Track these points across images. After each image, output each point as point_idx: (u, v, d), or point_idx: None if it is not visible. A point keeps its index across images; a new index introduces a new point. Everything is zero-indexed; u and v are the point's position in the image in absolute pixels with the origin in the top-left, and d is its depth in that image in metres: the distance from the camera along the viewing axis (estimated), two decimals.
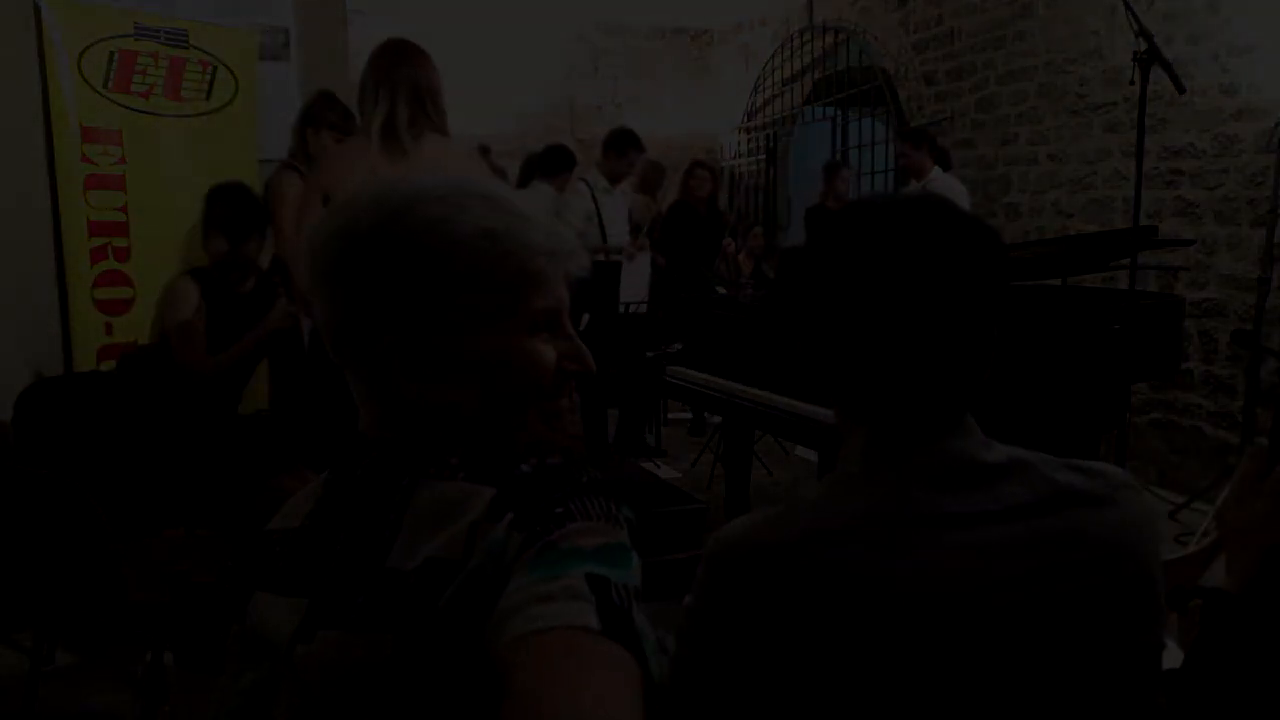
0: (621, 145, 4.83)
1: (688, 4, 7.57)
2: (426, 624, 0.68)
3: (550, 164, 4.96)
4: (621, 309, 4.85)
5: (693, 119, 8.25)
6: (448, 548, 0.71)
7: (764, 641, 0.76)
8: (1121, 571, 0.81)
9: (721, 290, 5.01)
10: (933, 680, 0.76)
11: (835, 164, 5.78)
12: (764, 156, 7.72)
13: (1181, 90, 3.00)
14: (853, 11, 6.51)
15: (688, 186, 5.33)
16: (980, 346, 0.81)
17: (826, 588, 0.76)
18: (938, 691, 0.76)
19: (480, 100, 7.13)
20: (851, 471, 0.84)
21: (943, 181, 4.59)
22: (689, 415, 5.46)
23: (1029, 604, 0.77)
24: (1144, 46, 2.87)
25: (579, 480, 0.73)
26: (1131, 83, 3.00)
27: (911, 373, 0.81)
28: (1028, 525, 0.79)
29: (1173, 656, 0.90)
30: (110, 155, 3.09)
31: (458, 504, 0.73)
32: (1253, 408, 3.62)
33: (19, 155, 2.95)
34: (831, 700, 0.76)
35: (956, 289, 0.80)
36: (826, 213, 4.98)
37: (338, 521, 0.79)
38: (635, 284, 4.98)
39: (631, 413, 5.06)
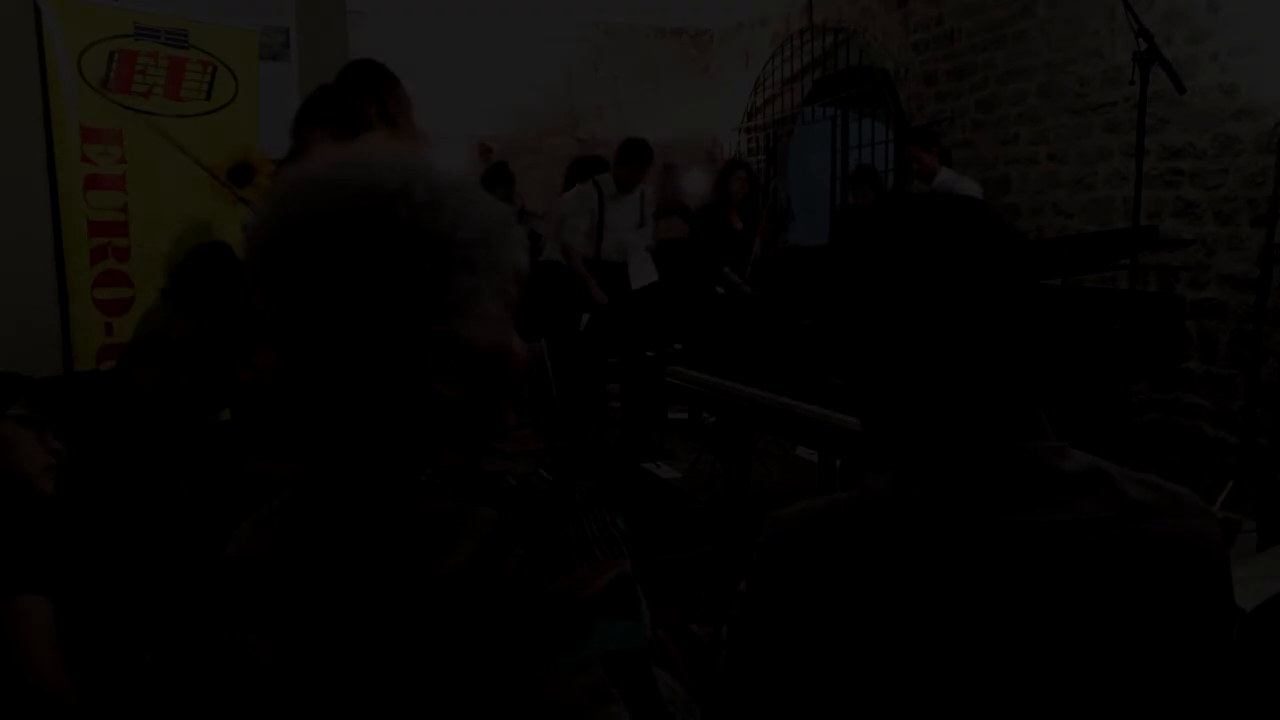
0: (622, 157, 4.96)
1: (688, 4, 7.57)
2: (431, 665, 0.66)
3: (595, 169, 5.19)
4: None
5: (693, 119, 8.25)
6: (451, 584, 0.67)
7: (819, 623, 0.76)
8: (1189, 578, 0.80)
9: (721, 290, 5.00)
10: (989, 676, 0.75)
11: (865, 170, 5.72)
12: (764, 156, 7.73)
13: (1181, 90, 3.00)
14: (853, 11, 6.51)
15: (728, 189, 5.18)
16: (1033, 339, 0.83)
17: (881, 572, 0.76)
18: (994, 687, 0.75)
19: (480, 100, 7.14)
20: (919, 464, 0.83)
21: (959, 181, 4.59)
22: (685, 415, 5.46)
23: (1090, 610, 0.77)
24: (1144, 46, 2.87)
25: (573, 498, 0.72)
26: (1131, 83, 3.00)
27: (974, 365, 0.82)
28: (1098, 536, 0.78)
29: None
30: (110, 155, 3.09)
31: (454, 528, 0.70)
32: (1253, 408, 3.62)
33: (19, 155, 2.96)
34: (884, 687, 0.75)
35: (1005, 282, 0.82)
36: (858, 215, 4.98)
37: (316, 547, 0.73)
38: (644, 273, 5.09)
39: (638, 413, 5.08)
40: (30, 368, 2.95)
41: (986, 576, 0.76)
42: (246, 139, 3.41)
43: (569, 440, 4.76)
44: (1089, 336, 2.49)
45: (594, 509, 0.71)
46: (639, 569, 0.71)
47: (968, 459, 0.80)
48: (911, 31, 5.95)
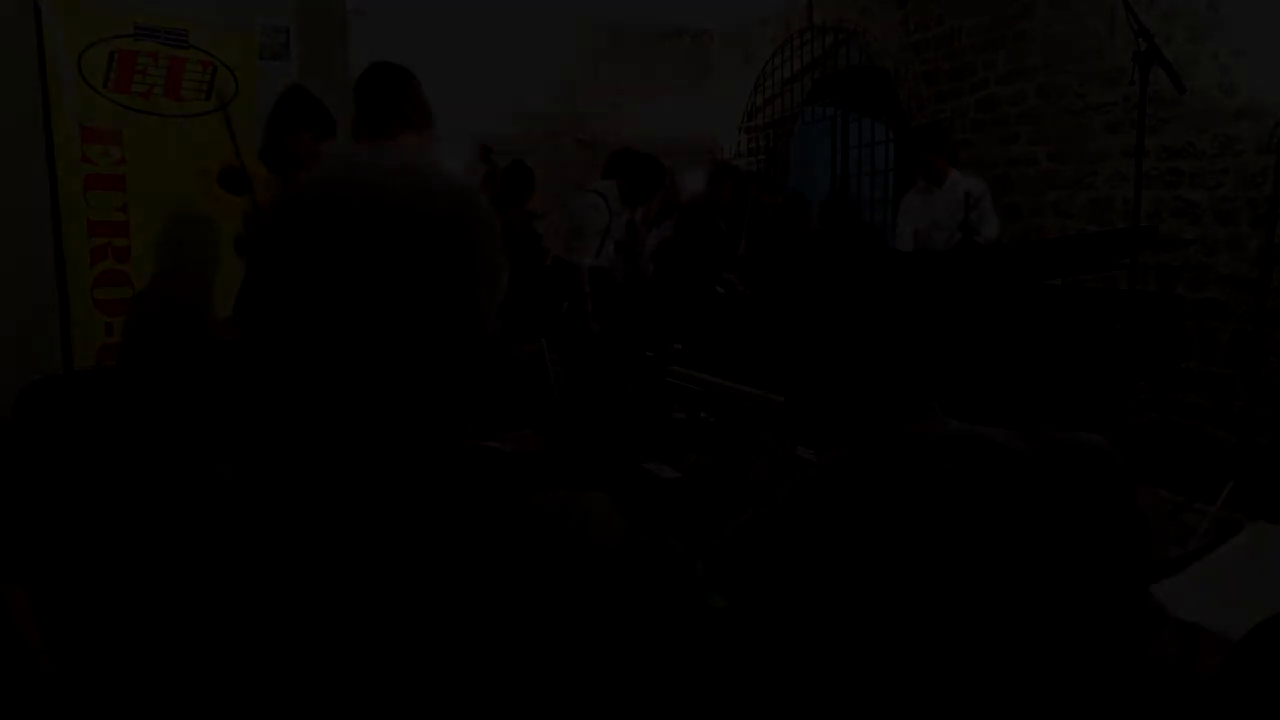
0: (636, 174, 4.94)
1: (688, 4, 7.58)
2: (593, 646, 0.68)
3: (630, 165, 5.20)
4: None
5: (693, 119, 8.25)
6: (608, 566, 0.70)
7: (770, 603, 0.96)
8: (1073, 516, 0.95)
9: (721, 290, 5.01)
10: (906, 619, 0.91)
11: (838, 198, 5.77)
12: (764, 156, 7.73)
13: (1181, 90, 3.00)
14: (853, 11, 6.51)
15: (716, 194, 5.23)
16: (926, 356, 1.03)
17: (815, 541, 0.95)
18: (913, 628, 0.91)
19: (480, 100, 7.14)
20: (836, 457, 1.04)
21: (970, 183, 4.56)
22: (683, 415, 5.47)
23: (966, 551, 0.92)
24: (1144, 46, 2.88)
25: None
26: (1131, 83, 3.00)
27: (877, 381, 1.04)
28: (965, 488, 0.94)
29: None
30: (110, 155, 3.09)
31: (566, 519, 0.72)
32: (1253, 408, 3.62)
33: (19, 155, 2.96)
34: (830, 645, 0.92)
35: (897, 320, 1.04)
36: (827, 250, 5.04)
37: (402, 573, 0.67)
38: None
39: (632, 414, 5.08)
40: (30, 368, 2.96)
41: (878, 535, 0.93)
42: (246, 139, 3.41)
43: (569, 440, 4.76)
44: (1089, 336, 2.49)
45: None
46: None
47: (863, 444, 1.01)
48: (911, 31, 5.95)
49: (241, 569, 0.69)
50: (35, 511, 1.59)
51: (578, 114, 7.95)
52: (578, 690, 0.67)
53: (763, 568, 0.97)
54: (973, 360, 1.19)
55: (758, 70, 7.73)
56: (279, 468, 0.72)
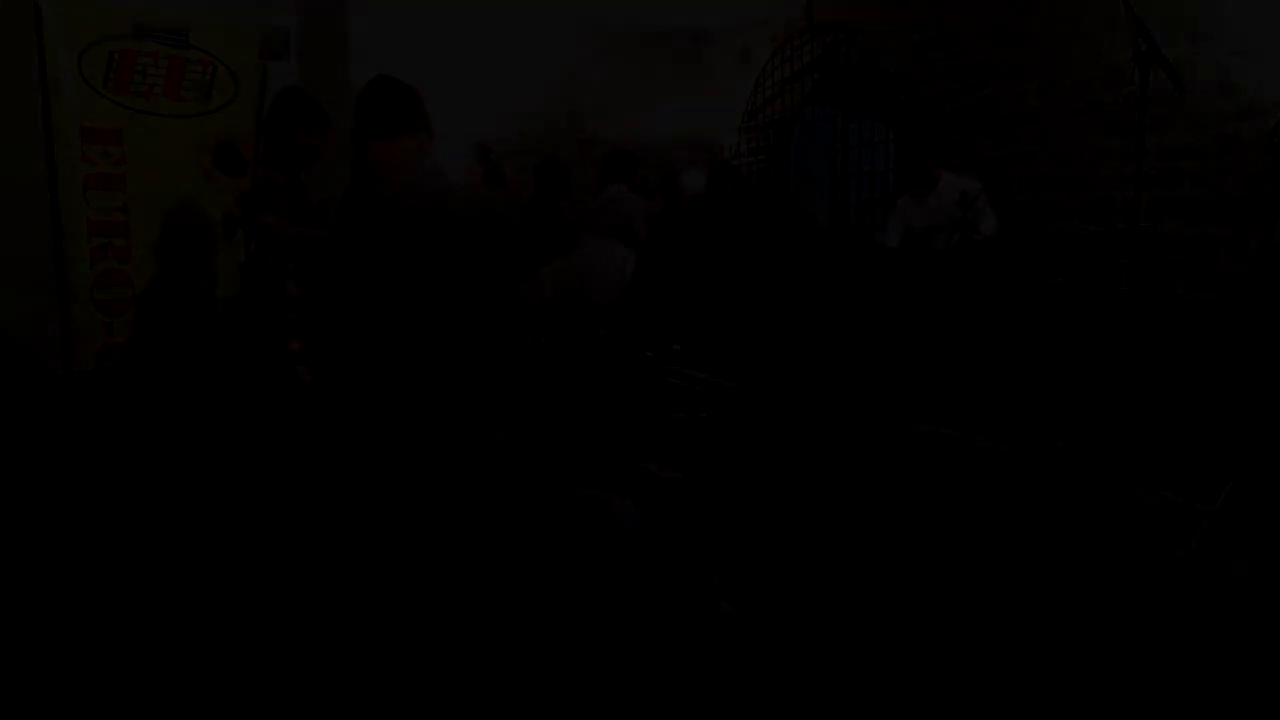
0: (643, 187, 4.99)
1: (687, 4, 7.57)
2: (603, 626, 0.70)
3: (629, 166, 5.22)
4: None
5: (693, 119, 8.24)
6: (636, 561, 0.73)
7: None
8: (1019, 502, 1.06)
9: (722, 291, 5.02)
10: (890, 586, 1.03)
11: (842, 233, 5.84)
12: (764, 157, 7.73)
13: (1181, 90, 3.00)
14: (853, 11, 6.51)
15: (717, 194, 5.29)
16: (893, 363, 1.07)
17: (796, 540, 1.08)
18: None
19: (480, 100, 7.14)
20: (811, 462, 1.18)
21: (964, 182, 4.56)
22: (683, 415, 5.48)
23: (931, 521, 1.04)
24: (1144, 46, 2.88)
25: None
26: (1131, 83, 3.00)
27: (844, 385, 1.13)
28: (927, 480, 1.05)
29: None
30: (110, 155, 3.09)
31: (603, 513, 0.75)
32: (1253, 408, 3.62)
33: (19, 155, 2.96)
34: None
35: (865, 331, 1.09)
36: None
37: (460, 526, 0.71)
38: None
39: (631, 413, 5.08)
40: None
41: (853, 533, 1.08)
42: (246, 139, 3.41)
43: (568, 440, 4.76)
44: (1090, 337, 2.49)
45: None
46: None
47: (835, 446, 1.11)
48: (911, 31, 5.95)
49: (279, 552, 0.75)
50: (35, 510, 1.59)
51: (578, 114, 7.95)
52: (589, 678, 0.68)
53: (763, 569, 1.07)
54: (971, 360, 1.22)
55: (758, 70, 7.73)
56: (326, 453, 0.75)
